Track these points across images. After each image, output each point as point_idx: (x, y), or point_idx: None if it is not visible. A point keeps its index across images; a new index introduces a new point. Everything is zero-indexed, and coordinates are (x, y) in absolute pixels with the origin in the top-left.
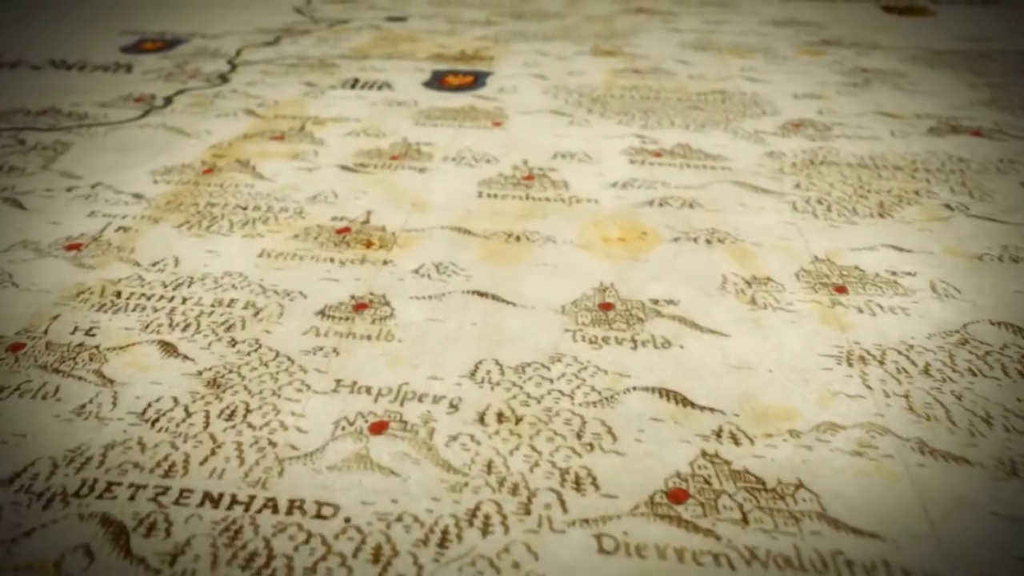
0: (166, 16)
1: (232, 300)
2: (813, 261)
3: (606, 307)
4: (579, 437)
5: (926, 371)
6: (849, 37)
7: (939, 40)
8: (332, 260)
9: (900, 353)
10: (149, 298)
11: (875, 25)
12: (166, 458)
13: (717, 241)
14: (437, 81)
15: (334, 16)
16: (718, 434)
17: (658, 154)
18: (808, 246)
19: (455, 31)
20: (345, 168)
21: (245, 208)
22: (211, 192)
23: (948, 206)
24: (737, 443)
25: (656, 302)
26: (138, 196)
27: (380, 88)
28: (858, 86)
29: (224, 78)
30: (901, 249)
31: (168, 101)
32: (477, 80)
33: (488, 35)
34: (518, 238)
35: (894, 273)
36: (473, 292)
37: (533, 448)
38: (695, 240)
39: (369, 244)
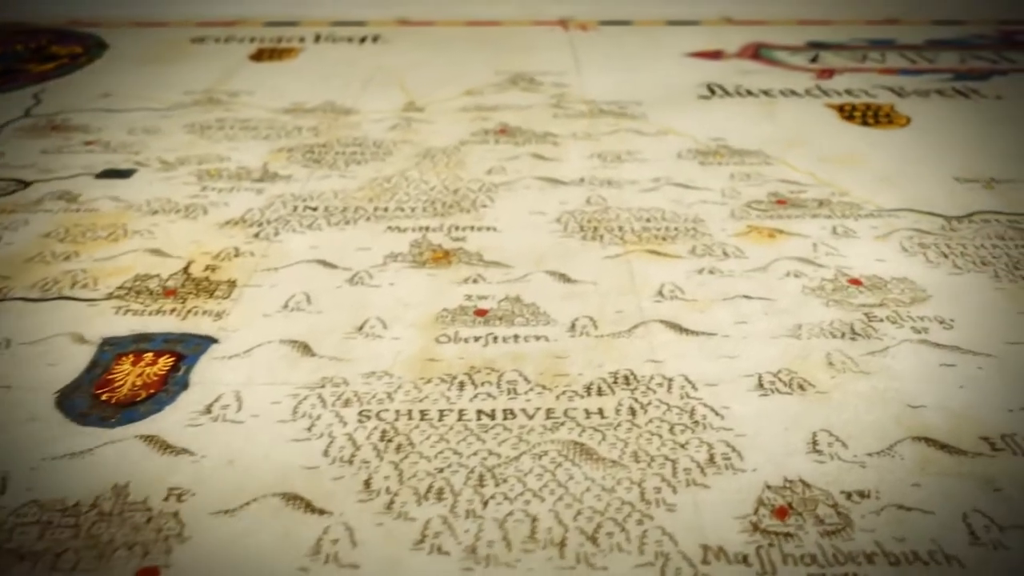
0: None
1: None
2: None
3: None
4: None
5: None
6: (832, 193)
7: (945, 190)
8: None
9: None
10: None
11: (847, 150)
12: None
13: None
14: (91, 385)
15: (20, 169)
16: None
17: None
18: None
19: (199, 201)
20: None
21: None
22: None
23: None
24: None
25: None
26: None
27: None
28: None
29: None
30: None
31: None
32: (167, 384)
33: (253, 211)
34: None
35: None
36: None
37: None
38: None
39: None
